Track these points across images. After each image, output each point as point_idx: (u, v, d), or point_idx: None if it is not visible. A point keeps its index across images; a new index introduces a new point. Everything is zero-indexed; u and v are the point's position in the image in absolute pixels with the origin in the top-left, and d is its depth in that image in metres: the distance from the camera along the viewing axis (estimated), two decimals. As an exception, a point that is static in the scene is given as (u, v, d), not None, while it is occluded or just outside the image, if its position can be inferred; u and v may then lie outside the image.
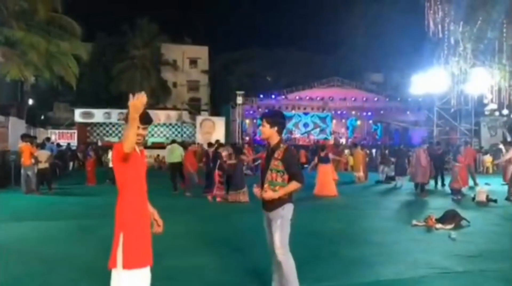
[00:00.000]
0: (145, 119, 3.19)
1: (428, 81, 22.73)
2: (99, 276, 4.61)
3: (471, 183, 14.19)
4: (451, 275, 5.06)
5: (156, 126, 29.37)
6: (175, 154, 13.00)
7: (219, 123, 28.84)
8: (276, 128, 3.88)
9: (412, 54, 28.36)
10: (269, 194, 3.77)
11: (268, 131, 3.90)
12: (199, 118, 29.23)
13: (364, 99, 31.82)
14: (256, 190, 3.95)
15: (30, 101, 25.06)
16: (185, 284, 4.70)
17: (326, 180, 12.71)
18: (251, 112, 31.19)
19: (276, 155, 3.81)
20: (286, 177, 3.78)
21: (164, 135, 29.87)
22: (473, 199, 11.20)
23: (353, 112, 32.84)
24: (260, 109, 30.91)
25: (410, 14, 27.48)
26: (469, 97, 22.50)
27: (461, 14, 20.26)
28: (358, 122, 34.01)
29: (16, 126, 16.76)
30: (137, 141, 3.18)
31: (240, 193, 10.84)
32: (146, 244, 3.26)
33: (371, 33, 37.81)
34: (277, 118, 3.96)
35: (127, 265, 3.10)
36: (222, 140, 25.48)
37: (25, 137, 13.28)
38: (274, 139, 3.90)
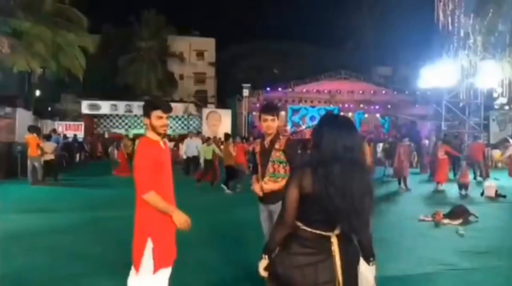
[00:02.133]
0: (166, 107, 3.17)
1: (437, 75, 22.42)
2: (104, 269, 4.60)
3: (473, 177, 14.18)
4: (459, 272, 4.98)
5: (162, 118, 29.38)
6: (208, 151, 13.09)
7: (226, 116, 28.79)
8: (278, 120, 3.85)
9: (421, 47, 28.04)
10: (269, 186, 3.69)
11: (276, 125, 3.80)
12: (205, 111, 29.20)
13: (372, 92, 31.56)
14: (256, 186, 3.82)
15: (37, 93, 25.14)
16: (186, 279, 4.65)
17: None
18: (258, 105, 31.09)
19: (277, 146, 3.73)
20: (288, 168, 3.69)
21: (171, 127, 29.87)
22: (482, 194, 11.06)
23: (361, 105, 32.59)
24: (266, 102, 30.78)
25: (419, 6, 27.19)
26: (479, 91, 22.19)
27: (471, 6, 19.96)
28: (366, 115, 33.75)
29: (23, 117, 16.79)
30: (161, 132, 3.14)
31: None
32: (172, 242, 3.23)
33: (379, 26, 37.50)
34: (279, 110, 3.94)
35: (157, 268, 3.08)
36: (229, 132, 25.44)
37: (31, 128, 13.31)
38: (274, 130, 3.82)
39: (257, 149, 3.94)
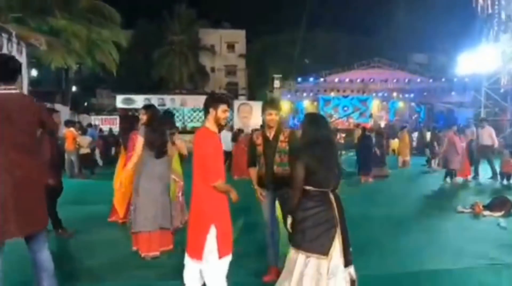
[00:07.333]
0: (229, 103, 3.54)
1: (476, 60, 21.53)
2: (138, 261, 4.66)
3: None
4: (500, 266, 4.76)
5: (195, 111, 29.64)
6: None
7: (257, 107, 28.61)
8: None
9: (459, 32, 26.97)
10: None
11: (278, 119, 4.14)
12: (236, 103, 29.17)
13: (407, 80, 30.71)
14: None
15: (74, 88, 25.93)
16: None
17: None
18: (289, 96, 30.85)
19: (282, 138, 4.09)
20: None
21: (203, 120, 30.02)
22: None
23: (395, 94, 31.72)
24: (298, 93, 30.52)
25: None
26: (521, 76, 21.14)
27: (513, -13, 19.02)
28: (400, 104, 32.83)
29: (60, 112, 17.33)
30: (223, 123, 3.46)
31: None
32: (230, 231, 3.44)
33: (414, 12, 36.24)
34: (280, 107, 4.43)
35: (223, 255, 3.27)
36: (259, 125, 25.38)
37: (68, 123, 13.68)
38: (276, 124, 4.13)
39: (259, 141, 4.20)
